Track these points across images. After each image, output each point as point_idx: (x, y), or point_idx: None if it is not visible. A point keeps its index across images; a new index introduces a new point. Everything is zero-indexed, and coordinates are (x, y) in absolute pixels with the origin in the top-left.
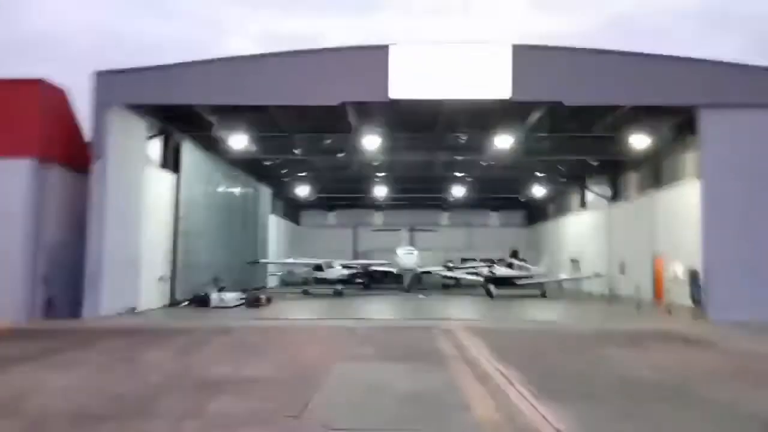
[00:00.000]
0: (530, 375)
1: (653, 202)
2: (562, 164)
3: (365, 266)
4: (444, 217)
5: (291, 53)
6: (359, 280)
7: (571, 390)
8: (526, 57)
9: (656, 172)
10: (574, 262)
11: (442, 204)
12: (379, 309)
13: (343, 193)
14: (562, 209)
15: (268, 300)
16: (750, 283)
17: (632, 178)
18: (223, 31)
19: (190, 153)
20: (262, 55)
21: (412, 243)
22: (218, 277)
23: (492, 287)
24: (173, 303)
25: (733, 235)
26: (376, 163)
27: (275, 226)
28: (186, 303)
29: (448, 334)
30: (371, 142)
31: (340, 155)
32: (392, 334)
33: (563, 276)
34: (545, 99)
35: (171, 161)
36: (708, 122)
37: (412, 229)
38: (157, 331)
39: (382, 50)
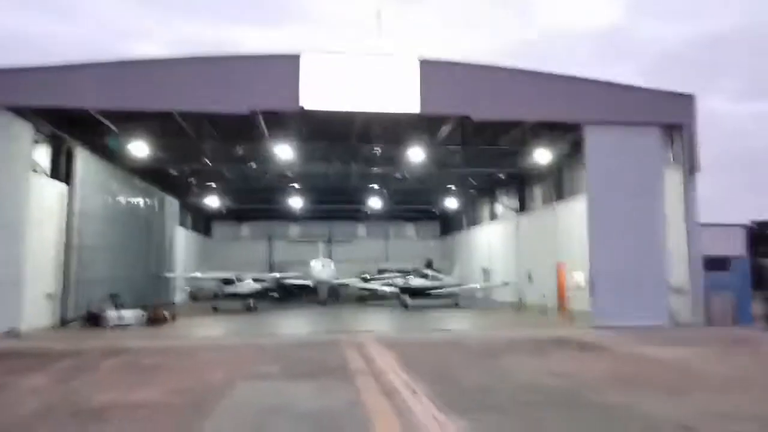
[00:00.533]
0: (436, 388)
1: (555, 214)
2: (473, 177)
3: (278, 279)
4: (362, 229)
5: (198, 59)
6: (274, 294)
7: (477, 402)
8: (433, 71)
9: (558, 184)
10: (486, 271)
11: (360, 215)
12: (291, 323)
13: (257, 203)
14: (474, 220)
15: (172, 317)
16: (632, 291)
17: (538, 191)
18: (136, 37)
19: (84, 161)
20: (167, 60)
21: (329, 255)
22: (116, 293)
23: (407, 298)
24: (64, 322)
25: (616, 246)
26: (289, 174)
27: (183, 239)
28: (78, 321)
29: (359, 347)
30: (283, 151)
31: (251, 165)
32: (302, 350)
33: (476, 285)
34: (453, 113)
35: (63, 170)
36: (592, 138)
37: (329, 241)
38: (39, 353)
39: (293, 59)
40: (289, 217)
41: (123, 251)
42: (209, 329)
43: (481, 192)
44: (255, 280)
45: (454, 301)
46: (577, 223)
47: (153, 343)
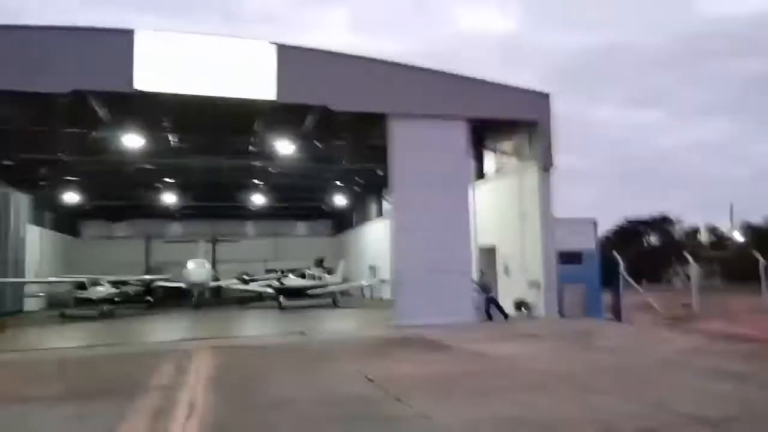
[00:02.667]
0: (225, 405)
1: None
2: (358, 173)
3: (148, 282)
4: (250, 228)
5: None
6: (148, 298)
7: (256, 422)
8: (292, 58)
9: None
10: (373, 269)
11: (247, 214)
12: (138, 331)
13: (131, 200)
14: (363, 218)
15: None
16: (439, 288)
17: None
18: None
19: None
20: None
21: (213, 255)
22: None
23: (281, 298)
24: None
25: (422, 242)
26: (151, 167)
27: (38, 239)
28: None
29: (188, 357)
30: (133, 141)
31: (105, 156)
32: (113, 363)
33: (363, 283)
34: (312, 102)
35: None
36: (395, 130)
37: (211, 240)
38: None
39: (126, 35)
40: (169, 215)
41: None
42: (35, 340)
43: (369, 189)
44: (120, 283)
45: (333, 300)
46: None
47: None
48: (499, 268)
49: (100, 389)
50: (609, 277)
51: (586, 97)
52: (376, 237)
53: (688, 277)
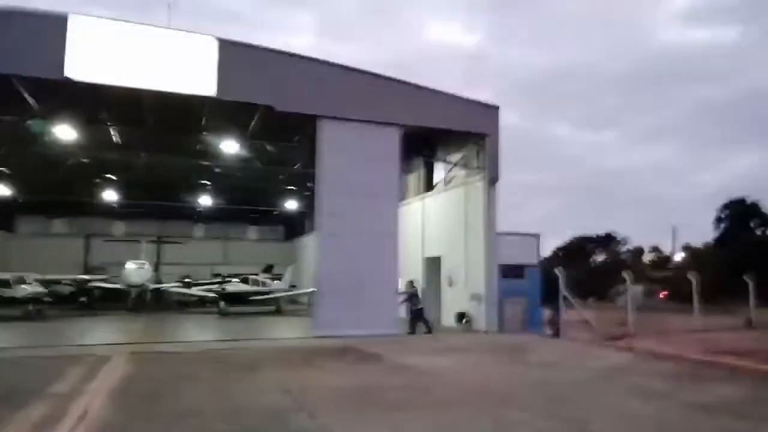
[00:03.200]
0: (124, 416)
1: None
2: (307, 177)
3: (83, 282)
4: (198, 229)
5: None
6: (83, 299)
7: None
8: (234, 54)
9: None
10: None
11: (195, 215)
12: (56, 334)
13: (68, 196)
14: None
15: None
16: (363, 298)
17: None
18: None
19: None
20: None
21: (158, 256)
22: None
23: (222, 304)
24: None
25: (346, 250)
26: (89, 161)
27: None
28: None
29: (101, 361)
30: (64, 132)
31: (35, 146)
32: (19, 367)
33: (311, 290)
34: (254, 101)
35: None
36: (324, 133)
37: (156, 241)
38: None
39: (59, 20)
40: (112, 213)
41: None
42: None
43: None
44: (52, 282)
45: (276, 307)
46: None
47: None
48: (444, 280)
49: None
50: (550, 293)
51: (545, 114)
52: None
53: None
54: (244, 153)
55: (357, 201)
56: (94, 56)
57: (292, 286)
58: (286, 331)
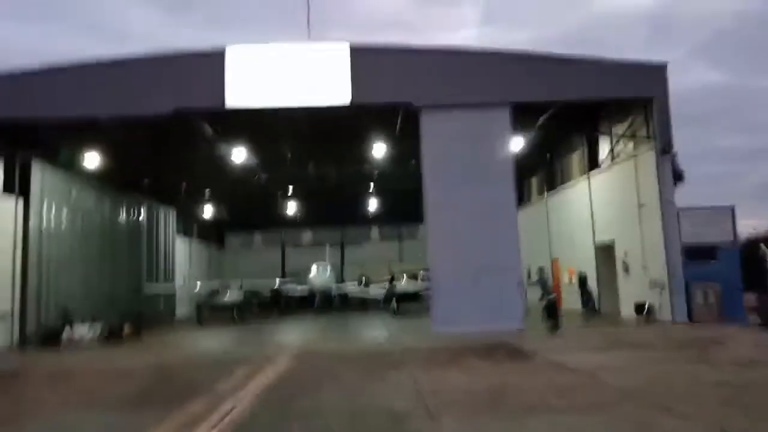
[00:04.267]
0: (262, 412)
1: (548, 205)
2: None
3: (276, 288)
4: (374, 231)
5: (120, 61)
6: (279, 303)
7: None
8: (365, 58)
9: (551, 174)
10: None
11: (370, 218)
12: (249, 337)
13: (262, 211)
14: None
15: (135, 332)
16: (483, 292)
17: (534, 182)
18: None
19: (42, 174)
20: (81, 65)
21: (342, 259)
22: (67, 308)
23: (394, 303)
24: (25, 341)
25: (462, 242)
26: (267, 178)
27: (186, 249)
28: (35, 340)
29: (265, 363)
30: (239, 155)
31: (221, 172)
32: (200, 369)
33: None
34: (391, 100)
35: (18, 184)
36: (425, 122)
37: (340, 245)
38: None
39: (217, 55)
40: (299, 223)
41: (100, 265)
42: (161, 347)
43: None
44: (249, 290)
45: None
46: (570, 214)
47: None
48: (618, 267)
49: (165, 394)
50: (754, 276)
51: (754, 67)
52: None
53: None
54: (394, 154)
55: (467, 188)
56: (246, 82)
57: None
58: None
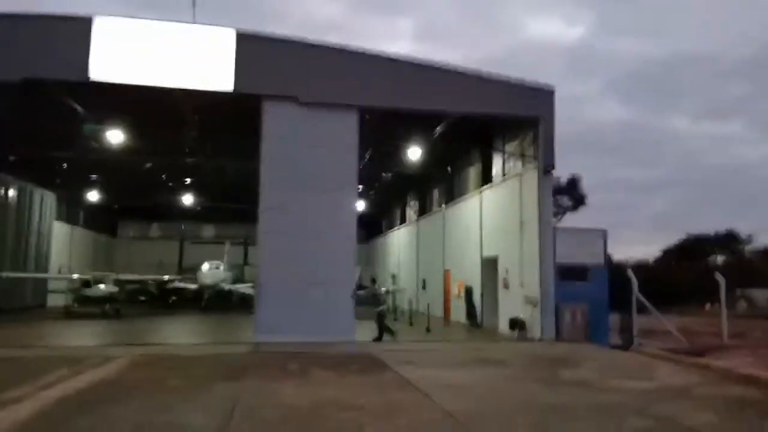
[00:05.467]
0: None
1: (443, 218)
2: (380, 178)
3: (161, 282)
4: None
5: None
6: (173, 298)
7: None
8: (253, 46)
9: (451, 187)
10: (394, 277)
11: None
12: (100, 334)
13: (160, 202)
14: (391, 224)
15: None
16: (302, 301)
17: (435, 193)
18: None
19: None
20: None
21: (245, 257)
22: None
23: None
24: None
25: (293, 248)
26: (149, 164)
27: (69, 237)
28: None
29: (96, 365)
30: (113, 136)
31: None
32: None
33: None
34: (275, 93)
35: None
36: (268, 115)
37: (242, 243)
38: None
39: (83, 21)
40: (200, 218)
41: None
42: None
43: (395, 194)
44: (123, 282)
45: None
46: (463, 227)
47: None
48: (500, 282)
49: None
50: (623, 298)
51: (661, 107)
52: (398, 244)
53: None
54: None
55: (306, 193)
56: (117, 56)
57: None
58: None
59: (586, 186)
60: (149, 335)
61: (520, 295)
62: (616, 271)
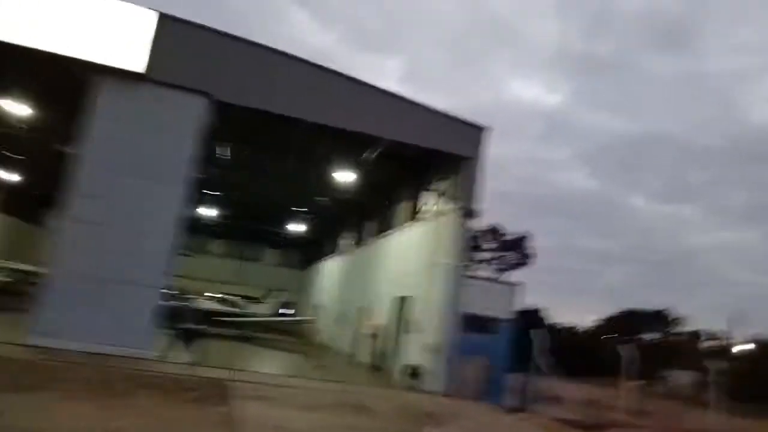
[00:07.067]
0: None
1: (375, 251)
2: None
3: None
4: (216, 245)
5: None
6: None
7: None
8: (173, 31)
9: (384, 219)
10: (315, 308)
11: (214, 230)
12: None
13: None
14: (330, 251)
15: None
16: (98, 304)
17: (372, 225)
18: None
19: None
20: None
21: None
22: None
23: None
24: None
25: (95, 241)
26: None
27: None
28: None
29: None
30: (16, 109)
31: None
32: None
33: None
34: (190, 86)
35: None
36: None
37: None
38: None
39: None
40: None
41: None
42: None
43: (336, 222)
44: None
45: (245, 333)
46: (383, 265)
47: None
48: (407, 325)
49: None
50: (523, 356)
51: (625, 181)
52: (328, 273)
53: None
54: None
55: (126, 183)
56: (17, 15)
57: (282, 315)
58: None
59: (550, 247)
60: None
61: (422, 341)
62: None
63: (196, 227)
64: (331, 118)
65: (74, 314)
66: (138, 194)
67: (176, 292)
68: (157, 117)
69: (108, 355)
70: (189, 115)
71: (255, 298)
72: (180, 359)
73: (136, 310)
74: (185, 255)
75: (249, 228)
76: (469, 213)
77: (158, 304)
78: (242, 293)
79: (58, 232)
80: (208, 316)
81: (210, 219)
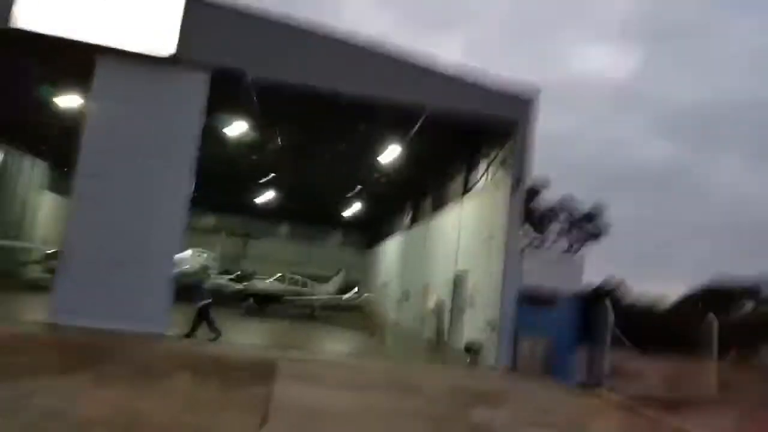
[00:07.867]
0: None
1: (430, 228)
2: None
3: None
4: (284, 229)
5: None
6: None
7: None
8: (202, 12)
9: (440, 196)
10: (384, 285)
11: (281, 214)
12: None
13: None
14: (391, 230)
15: None
16: (113, 282)
17: (428, 202)
18: None
19: None
20: None
21: (244, 250)
22: None
23: (251, 300)
24: None
25: (107, 220)
26: None
27: (58, 209)
28: None
29: None
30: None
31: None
32: None
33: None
34: (222, 65)
35: None
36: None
37: (241, 235)
38: None
39: None
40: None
41: None
42: None
43: (396, 201)
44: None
45: (310, 311)
46: (441, 240)
47: None
48: (467, 300)
49: None
50: (592, 331)
51: (711, 149)
52: (392, 252)
53: None
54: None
55: (133, 161)
56: (49, 5)
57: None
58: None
59: (629, 219)
60: None
61: (483, 316)
62: (588, 301)
63: (262, 212)
64: (373, 90)
65: (89, 292)
66: (145, 173)
67: (238, 273)
68: (160, 94)
69: (124, 331)
70: (192, 91)
71: (324, 278)
72: (206, 337)
73: (150, 288)
74: (254, 239)
75: (311, 211)
76: (522, 181)
77: (171, 282)
78: (310, 274)
79: (71, 212)
80: (268, 296)
81: (273, 203)
